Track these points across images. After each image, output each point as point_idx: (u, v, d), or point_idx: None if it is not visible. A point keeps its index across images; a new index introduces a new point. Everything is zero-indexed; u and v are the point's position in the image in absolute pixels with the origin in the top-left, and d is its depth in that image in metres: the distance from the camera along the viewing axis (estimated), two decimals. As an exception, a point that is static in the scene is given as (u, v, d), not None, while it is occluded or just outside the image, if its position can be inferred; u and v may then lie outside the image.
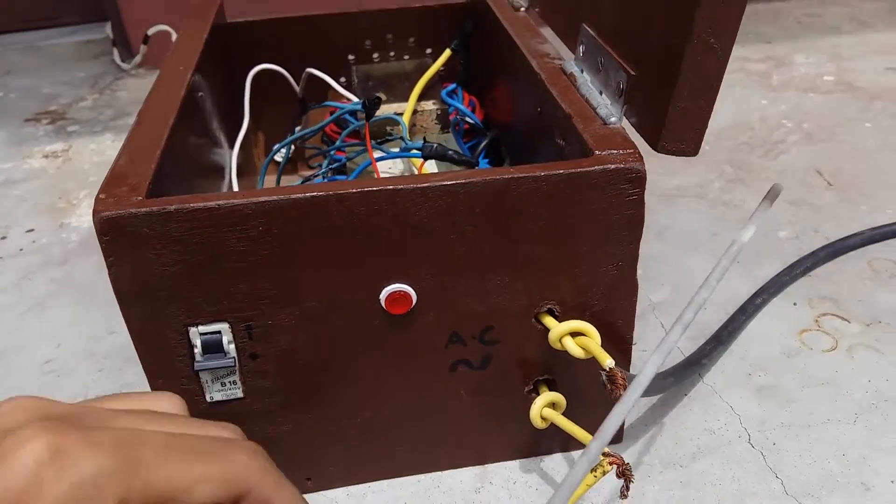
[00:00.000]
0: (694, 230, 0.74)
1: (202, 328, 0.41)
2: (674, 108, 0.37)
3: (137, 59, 1.26)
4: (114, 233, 0.38)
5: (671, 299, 0.65)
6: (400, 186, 0.39)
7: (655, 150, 0.40)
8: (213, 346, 0.42)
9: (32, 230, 0.83)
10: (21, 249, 0.80)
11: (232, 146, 0.69)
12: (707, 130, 0.39)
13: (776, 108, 0.98)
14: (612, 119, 0.42)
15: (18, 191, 0.93)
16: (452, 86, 0.71)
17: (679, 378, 0.51)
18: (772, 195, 0.39)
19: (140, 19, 1.28)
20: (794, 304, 0.64)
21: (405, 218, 0.40)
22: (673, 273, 0.68)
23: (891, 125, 0.92)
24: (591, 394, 0.48)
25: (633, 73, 0.41)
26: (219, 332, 0.42)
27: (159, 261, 0.39)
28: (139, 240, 0.38)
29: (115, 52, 1.33)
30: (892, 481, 0.47)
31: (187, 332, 0.41)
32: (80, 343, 0.65)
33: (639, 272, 0.44)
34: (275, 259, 0.40)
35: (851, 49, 1.16)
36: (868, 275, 0.67)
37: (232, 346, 0.42)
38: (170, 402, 0.25)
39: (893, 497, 0.46)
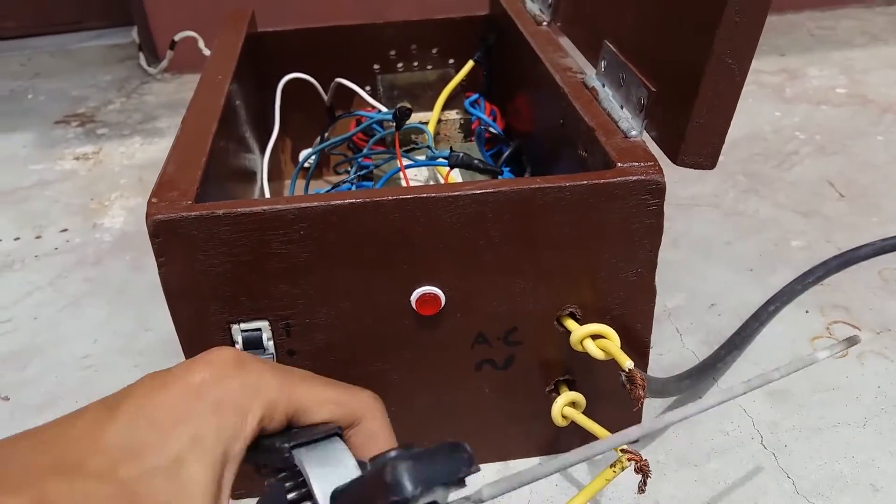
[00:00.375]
0: (708, 238, 0.76)
1: (244, 325, 0.44)
2: (692, 123, 0.40)
3: (164, 63, 1.29)
4: (165, 235, 0.41)
5: (686, 305, 0.67)
6: (433, 195, 0.41)
7: (675, 163, 0.42)
8: (253, 343, 0.44)
9: (66, 230, 0.86)
10: (56, 248, 0.83)
11: (263, 152, 0.72)
12: None
13: (789, 119, 1.00)
14: (633, 133, 0.45)
15: (51, 192, 0.96)
16: (475, 96, 0.74)
17: (695, 381, 0.54)
18: (850, 341, 0.39)
19: (166, 24, 1.31)
20: (807, 311, 0.66)
21: (436, 224, 0.42)
22: (688, 280, 0.71)
23: (903, 137, 0.94)
24: (609, 394, 0.50)
25: (653, 89, 0.44)
26: (259, 330, 0.44)
27: (207, 261, 0.41)
28: (189, 241, 0.41)
29: (142, 56, 1.36)
30: (899, 483, 0.49)
31: (230, 329, 0.44)
32: (116, 340, 0.67)
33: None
34: (314, 261, 0.42)
35: (864, 62, 1.18)
36: (878, 284, 0.69)
37: (271, 343, 0.45)
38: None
39: (900, 498, 0.48)
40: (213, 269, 0.42)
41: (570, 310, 0.47)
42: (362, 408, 0.31)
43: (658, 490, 0.50)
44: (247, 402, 0.27)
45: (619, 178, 0.42)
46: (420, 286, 0.44)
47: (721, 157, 0.41)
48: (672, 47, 0.43)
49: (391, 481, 0.23)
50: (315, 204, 0.41)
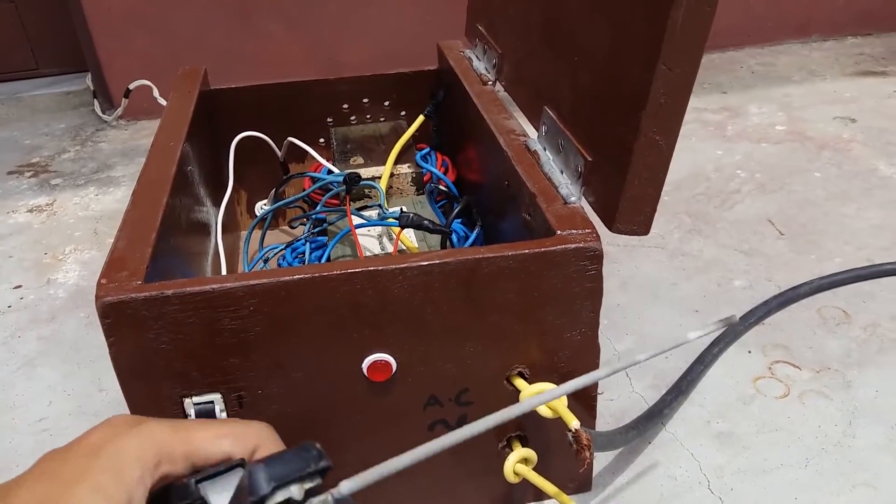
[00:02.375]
0: (655, 280, 0.79)
1: (196, 398, 0.44)
2: (625, 195, 0.42)
3: (119, 111, 1.29)
4: (115, 316, 0.41)
5: (635, 348, 0.69)
6: (380, 267, 0.43)
7: (610, 230, 0.44)
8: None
9: (20, 286, 0.86)
10: (9, 306, 0.82)
11: (217, 205, 0.72)
12: (666, 182, 0.43)
13: (731, 158, 1.04)
14: (572, 199, 0.47)
15: (4, 246, 0.95)
16: (426, 149, 0.76)
17: (642, 430, 0.55)
18: (726, 321, 0.41)
19: (120, 70, 1.31)
20: (749, 352, 0.68)
21: (385, 295, 0.43)
22: (636, 323, 0.73)
23: (838, 174, 0.98)
24: (560, 448, 0.51)
25: (589, 158, 0.46)
26: (211, 402, 0.45)
27: (157, 339, 0.42)
28: (138, 321, 0.41)
29: (96, 103, 1.35)
30: (840, 522, 0.51)
31: (182, 403, 0.44)
32: (72, 401, 0.67)
33: (603, 321, 0.48)
34: (265, 335, 0.43)
35: (801, 98, 1.23)
36: (817, 322, 0.72)
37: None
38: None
39: (838, 538, 0.50)
40: (164, 347, 0.42)
41: (519, 369, 0.48)
42: (256, 436, 0.33)
43: (610, 540, 0.51)
44: (143, 451, 0.29)
45: (558, 247, 0.44)
46: (371, 353, 0.45)
47: (666, 198, 0.44)
48: (604, 122, 0.45)
49: (248, 484, 0.27)
50: (264, 281, 0.42)
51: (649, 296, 0.76)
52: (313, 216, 0.69)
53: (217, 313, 0.42)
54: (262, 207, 0.83)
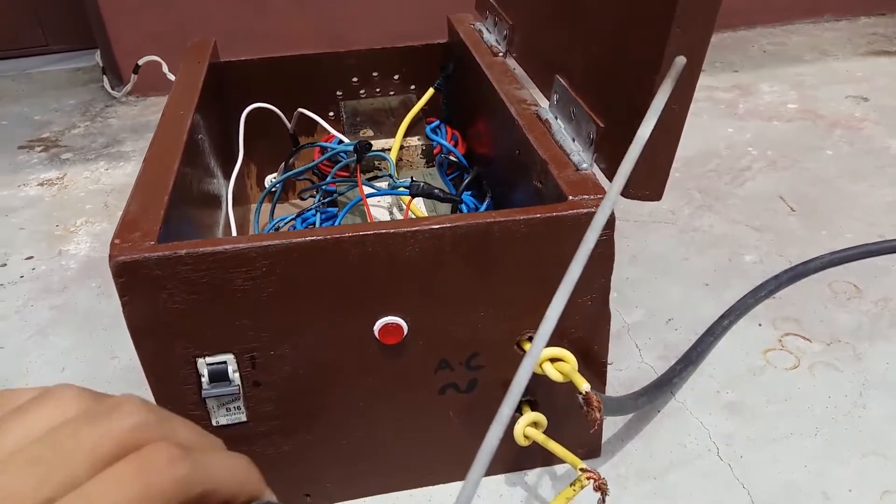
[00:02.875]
0: (665, 255, 0.79)
1: (209, 359, 0.45)
2: (638, 160, 0.42)
3: (128, 87, 1.29)
4: (128, 275, 0.41)
5: (644, 321, 0.69)
6: (392, 230, 0.43)
7: (623, 195, 0.44)
8: (219, 376, 0.45)
9: (31, 257, 0.86)
10: (21, 276, 0.82)
11: (227, 177, 0.73)
12: (677, 158, 0.43)
13: (742, 136, 1.04)
14: (584, 166, 0.47)
15: (16, 219, 0.95)
16: (436, 122, 0.75)
17: (652, 397, 0.55)
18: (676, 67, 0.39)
19: (129, 47, 1.31)
20: (759, 324, 0.68)
21: (397, 258, 0.44)
22: (646, 296, 0.73)
23: (849, 152, 0.98)
24: (569, 413, 0.52)
25: (601, 125, 0.46)
26: (224, 363, 0.45)
27: (170, 299, 0.42)
28: (152, 281, 0.42)
29: (105, 79, 1.36)
30: (850, 490, 0.51)
31: (195, 363, 0.45)
32: (84, 368, 0.68)
33: (613, 295, 0.48)
34: (277, 296, 0.44)
35: (813, 77, 1.22)
36: (828, 296, 0.72)
37: (237, 375, 0.46)
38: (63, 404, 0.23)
39: (847, 505, 0.50)
40: (177, 307, 0.43)
41: (529, 334, 0.48)
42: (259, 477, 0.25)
43: (619, 503, 0.51)
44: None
45: (570, 212, 0.44)
46: (382, 317, 0.46)
47: (676, 174, 0.43)
48: (617, 88, 0.45)
49: None
50: (276, 242, 0.42)
51: (659, 270, 0.76)
52: (323, 187, 0.69)
53: (230, 274, 0.42)
54: (271, 180, 0.83)
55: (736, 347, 0.65)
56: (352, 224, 0.45)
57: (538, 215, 0.43)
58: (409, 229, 0.43)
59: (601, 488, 0.44)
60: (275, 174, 0.83)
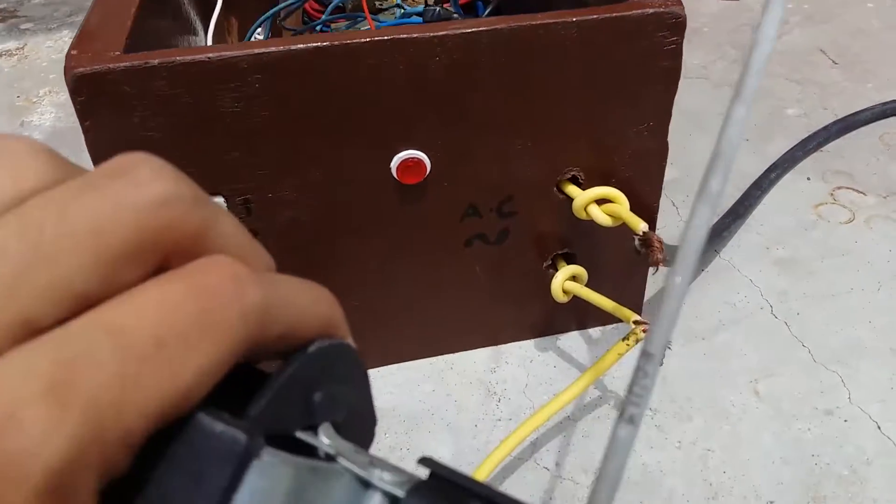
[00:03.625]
0: (699, 110, 0.71)
1: (197, 203, 0.37)
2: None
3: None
4: (90, 92, 0.33)
5: (681, 178, 0.62)
6: (415, 35, 0.35)
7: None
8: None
9: (-9, 131, 0.77)
10: (-19, 151, 0.74)
11: (206, 31, 0.63)
12: (703, 14, 0.35)
13: (777, -15, 0.94)
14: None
15: (-28, 91, 0.86)
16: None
17: (704, 250, 0.49)
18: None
19: None
20: (808, 178, 0.61)
21: (419, 73, 0.36)
22: (681, 154, 0.65)
23: (893, 4, 0.89)
24: (612, 267, 0.45)
25: None
26: (215, 208, 0.38)
27: (143, 125, 0.35)
28: (119, 100, 0.34)
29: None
30: (916, 347, 0.46)
31: (180, 209, 0.38)
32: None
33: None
34: (274, 123, 0.36)
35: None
36: (880, 149, 0.65)
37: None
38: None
39: (921, 361, 0.45)
40: (152, 134, 0.35)
41: (573, 173, 0.41)
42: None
43: (664, 366, 0.46)
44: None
45: (634, 11, 0.36)
46: (401, 150, 0.38)
47: (705, 29, 0.36)
48: None
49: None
50: (272, 49, 0.34)
51: (693, 126, 0.69)
52: (316, 29, 0.60)
53: (215, 91, 0.34)
54: (256, 36, 0.73)
55: (784, 203, 0.59)
56: (366, 30, 0.37)
57: (595, 16, 0.35)
58: (435, 34, 0.35)
59: (660, 342, 0.38)
60: (259, 29, 0.73)
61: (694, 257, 0.12)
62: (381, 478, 0.14)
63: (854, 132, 0.67)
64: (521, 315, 0.47)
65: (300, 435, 0.14)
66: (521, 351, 0.48)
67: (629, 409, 0.13)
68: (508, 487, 0.40)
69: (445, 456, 0.42)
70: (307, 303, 0.15)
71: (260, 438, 0.13)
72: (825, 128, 0.65)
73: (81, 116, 0.34)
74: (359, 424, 0.16)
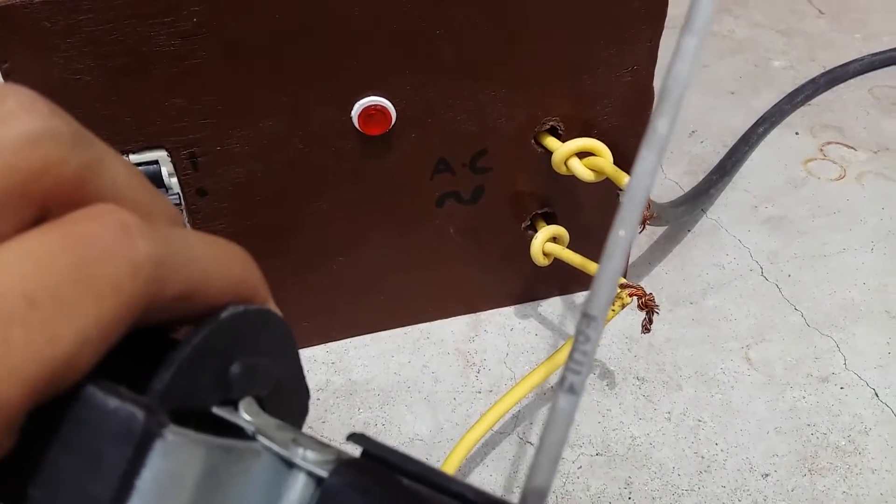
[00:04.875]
0: (682, 63, 0.68)
1: (135, 157, 0.33)
2: None
3: None
4: (6, 29, 0.29)
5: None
6: (374, -38, 0.31)
7: None
8: (150, 179, 0.34)
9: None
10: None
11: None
12: None
13: (760, -66, 0.90)
14: None
15: None
16: None
17: (690, 207, 0.46)
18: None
19: None
20: (797, 133, 0.59)
21: (383, 8, 0.32)
22: (663, 108, 0.62)
23: (881, -49, 0.86)
24: (594, 226, 0.42)
25: None
26: (156, 163, 0.34)
27: (69, 66, 0.30)
28: (40, 37, 0.29)
29: None
30: (911, 308, 0.44)
31: (116, 165, 0.33)
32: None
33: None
34: (218, 64, 0.32)
35: None
36: (870, 102, 0.62)
37: (174, 181, 0.35)
38: None
39: (918, 322, 0.43)
40: (80, 78, 0.31)
41: (552, 123, 0.38)
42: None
43: (651, 331, 0.43)
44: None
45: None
46: (363, 96, 0.34)
47: None
48: None
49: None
50: (212, -22, 0.30)
51: (676, 79, 0.65)
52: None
53: (149, 28, 0.30)
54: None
55: (772, 159, 0.56)
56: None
57: (575, -59, 0.32)
58: (397, -39, 0.31)
59: (648, 305, 0.35)
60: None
61: (639, 208, 0.11)
62: (303, 457, 0.12)
63: (843, 84, 0.64)
64: (499, 280, 0.44)
65: (216, 410, 0.13)
66: (501, 318, 0.45)
67: (569, 378, 0.11)
68: (490, 463, 0.37)
69: (423, 431, 0.39)
70: (214, 260, 0.12)
71: (162, 415, 0.11)
72: (813, 80, 0.62)
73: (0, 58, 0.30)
74: (287, 400, 0.14)
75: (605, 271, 0.11)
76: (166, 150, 0.34)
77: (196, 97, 0.32)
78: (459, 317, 0.45)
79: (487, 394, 0.40)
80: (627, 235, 0.11)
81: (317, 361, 0.42)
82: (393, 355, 0.42)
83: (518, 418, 0.39)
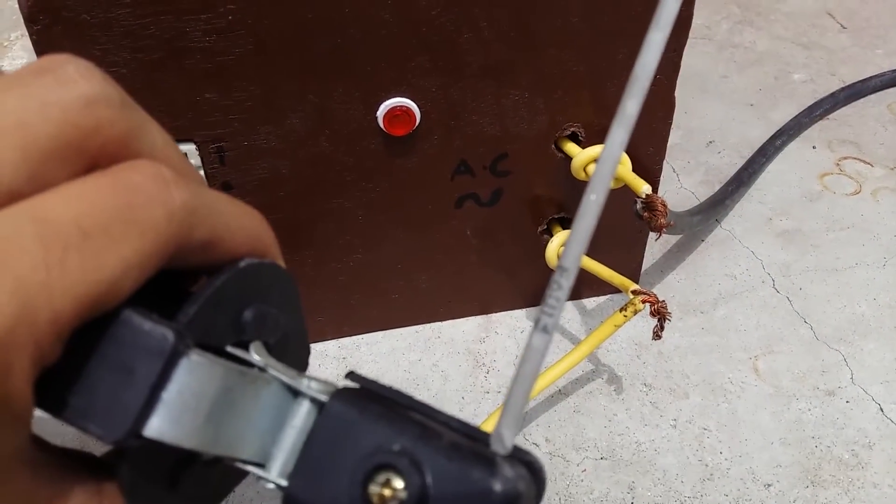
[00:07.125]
0: (703, 72, 0.68)
1: (164, 149, 0.34)
2: None
3: None
4: (47, 20, 0.30)
5: (682, 143, 0.59)
6: (405, -34, 0.32)
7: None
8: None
9: (-45, 71, 0.73)
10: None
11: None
12: None
13: (785, -54, 0.90)
14: None
15: (-65, 29, 0.81)
16: None
17: (706, 216, 0.47)
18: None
19: None
20: (814, 147, 0.59)
21: (410, 9, 0.33)
22: (683, 117, 0.63)
23: (906, -33, 0.85)
24: (610, 233, 0.43)
25: None
26: (185, 156, 0.35)
27: (105, 59, 0.31)
28: (79, 30, 0.30)
29: None
30: (920, 326, 0.44)
31: (146, 155, 0.34)
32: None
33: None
34: (250, 60, 0.33)
35: None
36: (888, 118, 0.62)
37: (201, 174, 0.35)
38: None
39: (927, 340, 0.43)
40: (116, 70, 0.32)
41: (572, 129, 0.38)
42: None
43: (662, 340, 0.44)
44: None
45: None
46: (389, 97, 0.35)
47: None
48: None
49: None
50: (248, -22, 0.31)
51: (696, 89, 0.66)
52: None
53: (185, 23, 0.31)
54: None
55: (788, 172, 0.57)
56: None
57: (603, -47, 0.32)
58: (428, -33, 0.31)
59: (660, 312, 0.36)
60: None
61: (608, 177, 0.13)
62: (308, 386, 0.14)
63: (862, 100, 0.64)
64: (512, 283, 0.45)
65: (230, 349, 0.14)
66: (512, 320, 0.45)
67: (543, 319, 0.13)
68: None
69: (428, 427, 0.39)
70: (236, 215, 0.15)
71: (188, 339, 0.13)
72: (832, 94, 0.62)
73: (38, 48, 0.31)
74: (291, 351, 0.16)
75: (578, 230, 0.13)
76: (195, 143, 0.35)
77: (227, 93, 0.33)
78: (471, 317, 0.45)
79: (496, 394, 0.41)
80: (598, 199, 0.12)
81: (328, 356, 0.43)
82: (403, 353, 0.43)
83: (525, 420, 0.40)
